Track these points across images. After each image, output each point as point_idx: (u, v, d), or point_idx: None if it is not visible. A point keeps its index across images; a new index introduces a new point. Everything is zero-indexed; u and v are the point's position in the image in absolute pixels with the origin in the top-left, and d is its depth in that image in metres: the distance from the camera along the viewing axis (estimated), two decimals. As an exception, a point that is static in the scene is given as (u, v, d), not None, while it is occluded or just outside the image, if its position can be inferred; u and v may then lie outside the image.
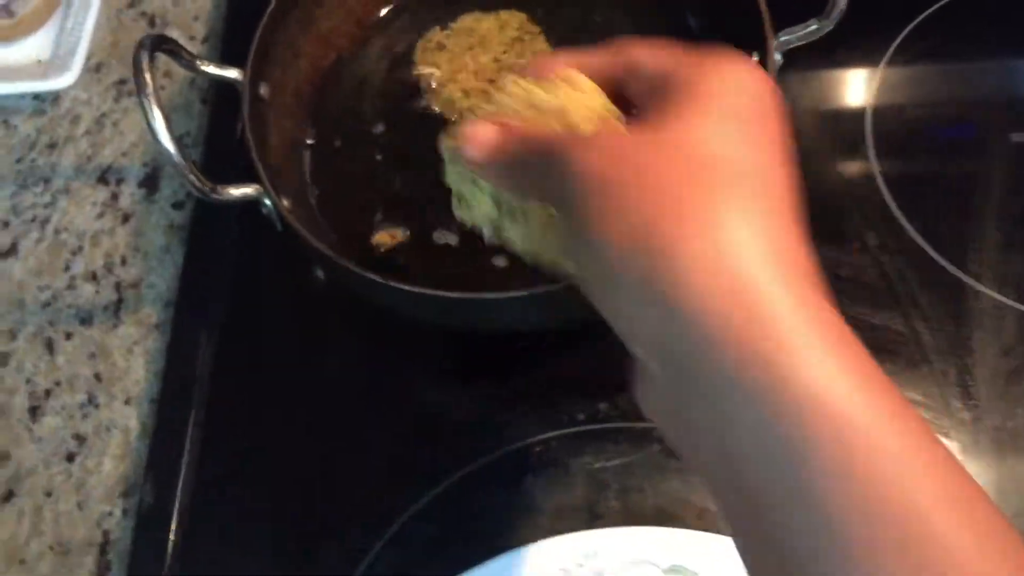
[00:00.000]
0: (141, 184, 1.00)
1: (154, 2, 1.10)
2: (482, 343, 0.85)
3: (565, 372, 0.84)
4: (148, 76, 0.70)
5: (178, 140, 0.72)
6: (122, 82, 1.05)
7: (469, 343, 0.86)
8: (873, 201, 0.87)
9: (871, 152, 0.89)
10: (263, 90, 0.82)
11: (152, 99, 0.70)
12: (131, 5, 1.10)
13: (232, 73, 0.80)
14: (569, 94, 0.53)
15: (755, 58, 0.77)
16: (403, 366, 0.87)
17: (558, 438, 0.81)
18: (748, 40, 0.75)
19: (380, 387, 0.86)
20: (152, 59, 0.72)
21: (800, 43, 0.76)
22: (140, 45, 0.71)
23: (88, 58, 1.05)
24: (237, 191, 0.75)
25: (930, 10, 0.98)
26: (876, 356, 0.80)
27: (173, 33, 1.08)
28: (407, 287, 0.69)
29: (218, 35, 1.07)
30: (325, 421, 0.85)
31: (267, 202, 0.76)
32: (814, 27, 0.74)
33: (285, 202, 0.78)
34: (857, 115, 0.93)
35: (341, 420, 0.85)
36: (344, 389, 0.86)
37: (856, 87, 0.95)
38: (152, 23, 1.09)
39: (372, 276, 0.70)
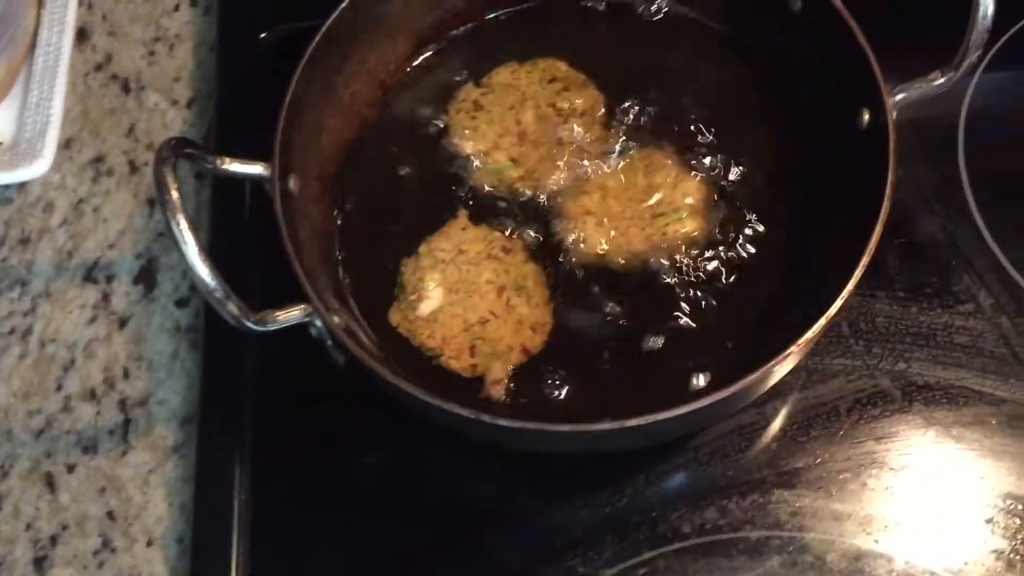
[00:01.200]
0: (136, 280, 0.87)
1: (126, 63, 0.96)
2: (568, 459, 0.75)
3: (662, 481, 0.74)
4: (175, 192, 0.58)
5: (212, 259, 0.60)
6: (98, 159, 0.92)
7: (547, 459, 0.75)
8: (981, 255, 0.79)
9: (969, 196, 0.81)
10: (292, 184, 0.71)
11: (183, 219, 0.58)
12: (99, 68, 0.96)
13: (256, 169, 0.69)
14: None
15: (867, 116, 0.68)
16: (477, 482, 0.77)
17: (664, 556, 0.71)
18: (861, 99, 0.66)
19: (456, 509, 0.75)
20: (175, 168, 0.60)
21: (921, 98, 0.66)
22: (160, 158, 0.59)
23: (56, 134, 0.91)
24: (284, 318, 0.63)
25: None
26: (1006, 435, 0.77)
27: (152, 98, 0.94)
28: (520, 424, 0.61)
29: (205, 98, 0.94)
30: (400, 549, 0.74)
31: (318, 323, 0.65)
32: (939, 81, 0.65)
33: (336, 319, 0.66)
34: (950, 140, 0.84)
35: (420, 544, 0.74)
36: (416, 511, 0.75)
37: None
38: (126, 88, 0.95)
39: (488, 419, 0.60)
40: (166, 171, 0.58)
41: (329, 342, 0.67)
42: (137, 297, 0.86)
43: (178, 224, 0.57)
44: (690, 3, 0.85)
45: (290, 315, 0.64)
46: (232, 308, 0.61)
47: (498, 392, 0.72)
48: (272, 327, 0.63)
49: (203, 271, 0.59)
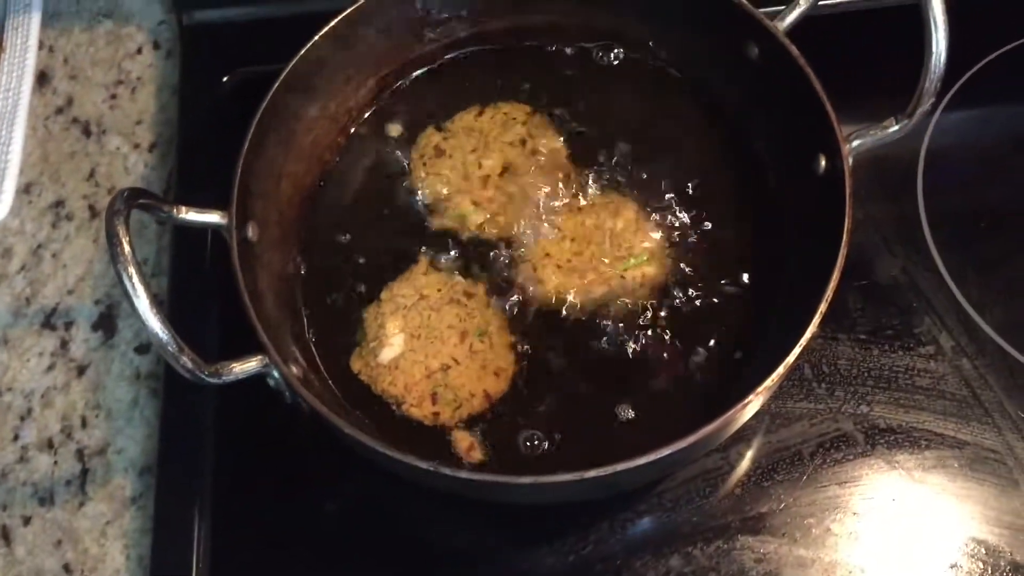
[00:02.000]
0: (95, 326, 0.86)
1: (87, 107, 0.96)
2: (532, 505, 0.74)
3: (626, 528, 0.73)
4: (127, 244, 0.58)
5: (164, 312, 0.60)
6: (59, 204, 0.91)
7: (511, 506, 0.75)
8: (941, 296, 0.80)
9: (928, 237, 0.82)
10: (250, 232, 0.70)
11: (134, 272, 0.57)
12: (60, 111, 0.95)
13: (213, 217, 0.68)
14: None
15: (823, 163, 0.68)
16: (440, 528, 0.76)
17: (627, 608, 0.71)
18: (818, 145, 0.67)
19: (420, 556, 0.75)
20: (128, 220, 0.59)
21: (877, 145, 0.67)
22: (112, 209, 0.58)
23: (15, 178, 0.90)
24: (240, 369, 0.63)
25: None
26: (968, 478, 0.77)
27: (114, 141, 0.94)
28: (479, 476, 0.61)
29: (168, 142, 0.93)
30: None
31: (275, 374, 0.64)
32: (894, 128, 0.66)
33: (294, 369, 0.66)
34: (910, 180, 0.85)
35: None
36: (378, 560, 0.75)
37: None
38: (87, 131, 0.94)
39: (448, 471, 0.60)
40: (118, 223, 0.58)
41: (287, 393, 0.66)
42: (96, 344, 0.85)
43: (130, 278, 0.56)
44: (646, 51, 0.85)
45: (247, 366, 0.63)
46: (186, 361, 0.60)
47: (476, 456, 0.71)
48: (228, 379, 0.62)
49: (155, 325, 0.58)
